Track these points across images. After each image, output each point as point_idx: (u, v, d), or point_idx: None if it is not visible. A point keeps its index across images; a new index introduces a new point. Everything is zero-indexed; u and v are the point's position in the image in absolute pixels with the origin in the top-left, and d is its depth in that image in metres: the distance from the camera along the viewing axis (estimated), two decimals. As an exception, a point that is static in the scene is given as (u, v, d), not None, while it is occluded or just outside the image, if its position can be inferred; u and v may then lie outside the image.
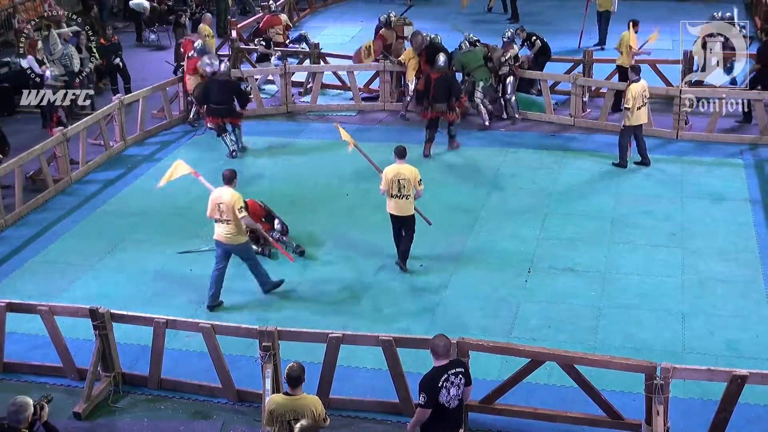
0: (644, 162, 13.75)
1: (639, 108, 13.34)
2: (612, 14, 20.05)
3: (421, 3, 26.04)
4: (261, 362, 8.12)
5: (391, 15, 17.73)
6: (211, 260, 11.40)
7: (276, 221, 11.58)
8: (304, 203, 12.59)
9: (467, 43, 15.84)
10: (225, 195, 9.99)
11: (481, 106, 15.72)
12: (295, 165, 14.00)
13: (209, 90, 14.70)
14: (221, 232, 10.11)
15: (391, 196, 10.71)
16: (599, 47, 19.68)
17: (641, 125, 13.61)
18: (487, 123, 15.68)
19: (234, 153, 14.73)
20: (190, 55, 15.72)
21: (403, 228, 10.90)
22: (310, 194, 13.16)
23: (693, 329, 9.55)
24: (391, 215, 10.89)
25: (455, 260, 11.19)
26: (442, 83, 14.45)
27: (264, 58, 18.42)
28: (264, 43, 18.43)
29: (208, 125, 14.92)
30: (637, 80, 13.39)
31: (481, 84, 15.62)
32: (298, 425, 6.38)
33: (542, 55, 16.92)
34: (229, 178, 10.13)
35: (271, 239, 10.79)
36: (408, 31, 17.47)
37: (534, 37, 16.87)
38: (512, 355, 8.12)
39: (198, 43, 15.84)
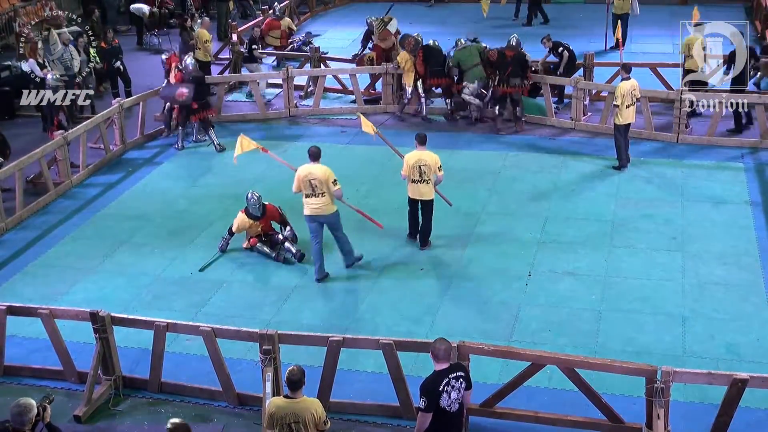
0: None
1: (627, 107, 13.50)
2: (631, 16, 20.11)
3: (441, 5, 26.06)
4: (261, 365, 8.12)
5: (372, 20, 17.91)
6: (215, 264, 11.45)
7: (288, 228, 11.59)
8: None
9: (463, 40, 15.89)
10: (317, 171, 10.58)
11: (472, 103, 15.94)
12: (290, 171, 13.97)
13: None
14: (314, 205, 10.63)
15: (413, 181, 11.20)
16: (614, 49, 19.80)
17: (629, 124, 13.76)
18: (476, 117, 16.01)
19: (180, 147, 15.35)
20: (179, 68, 15.92)
21: (423, 211, 11.42)
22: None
23: (693, 333, 9.54)
24: (412, 199, 11.41)
25: (456, 263, 11.18)
26: (518, 60, 15.41)
27: (249, 59, 18.34)
28: (256, 47, 18.36)
29: (178, 120, 15.51)
30: (627, 78, 13.61)
31: (474, 83, 15.73)
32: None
33: (568, 63, 16.77)
34: (316, 155, 10.73)
35: (355, 208, 11.24)
36: (392, 25, 17.60)
37: (561, 48, 16.65)
38: (513, 358, 8.12)
39: (188, 58, 16.17)
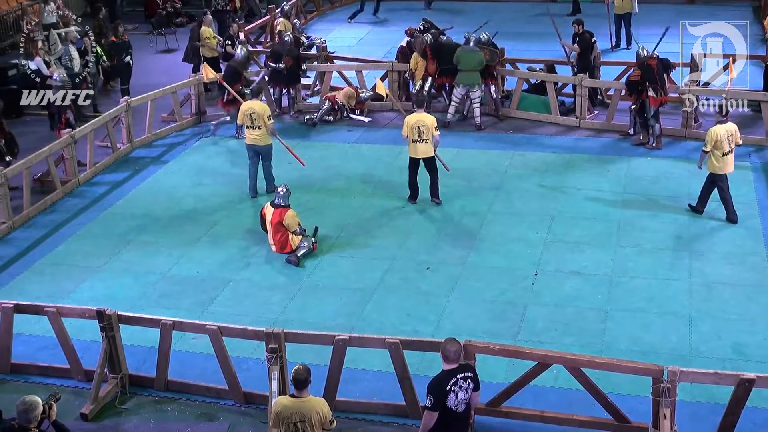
0: (730, 218, 11.88)
1: (724, 155, 11.61)
2: (633, 15, 20.10)
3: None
4: (267, 364, 8.13)
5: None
6: (212, 261, 11.46)
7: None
8: (310, 205, 12.61)
9: (472, 42, 15.56)
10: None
11: (477, 109, 15.68)
12: (302, 167, 13.96)
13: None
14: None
15: (413, 141, 12.32)
16: (622, 48, 19.85)
17: (725, 174, 11.81)
18: (478, 123, 15.72)
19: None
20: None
21: (427, 168, 12.54)
22: (316, 197, 13.16)
23: (700, 332, 9.53)
24: (412, 158, 12.49)
25: (462, 263, 11.17)
26: (662, 67, 14.31)
27: (228, 57, 18.21)
28: (229, 43, 18.13)
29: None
30: (723, 122, 11.65)
31: (459, 87, 15.48)
32: None
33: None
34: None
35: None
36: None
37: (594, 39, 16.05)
38: (519, 357, 8.13)
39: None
